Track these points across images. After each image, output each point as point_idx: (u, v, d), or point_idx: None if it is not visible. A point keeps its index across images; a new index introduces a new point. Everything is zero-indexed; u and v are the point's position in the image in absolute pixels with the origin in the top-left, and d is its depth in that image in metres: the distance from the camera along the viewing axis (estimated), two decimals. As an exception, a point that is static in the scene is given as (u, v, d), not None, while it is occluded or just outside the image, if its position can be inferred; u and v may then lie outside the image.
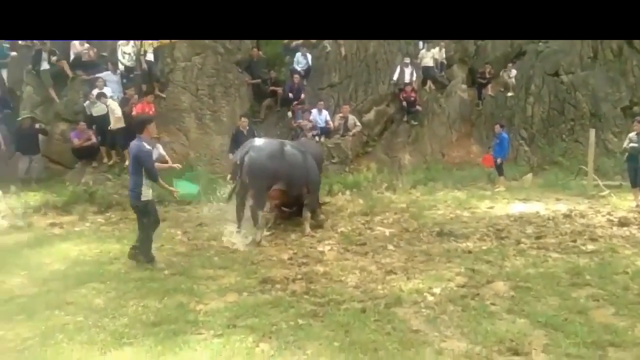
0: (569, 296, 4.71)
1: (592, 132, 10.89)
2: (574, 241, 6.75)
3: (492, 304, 4.59)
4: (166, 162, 10.74)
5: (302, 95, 13.24)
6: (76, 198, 9.61)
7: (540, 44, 16.54)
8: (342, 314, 4.38)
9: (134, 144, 5.81)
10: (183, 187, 6.27)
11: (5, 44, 12.72)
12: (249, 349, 3.77)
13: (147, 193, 5.87)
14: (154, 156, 10.43)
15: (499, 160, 11.45)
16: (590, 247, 6.48)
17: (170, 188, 6.34)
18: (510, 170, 12.49)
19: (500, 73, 15.49)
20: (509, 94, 14.74)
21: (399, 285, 5.16)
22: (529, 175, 12.40)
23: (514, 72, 15.07)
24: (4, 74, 12.59)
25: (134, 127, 6.36)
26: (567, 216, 8.30)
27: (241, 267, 5.93)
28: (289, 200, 7.80)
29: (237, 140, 10.20)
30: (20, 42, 12.85)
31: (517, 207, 9.22)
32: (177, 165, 7.05)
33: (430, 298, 4.78)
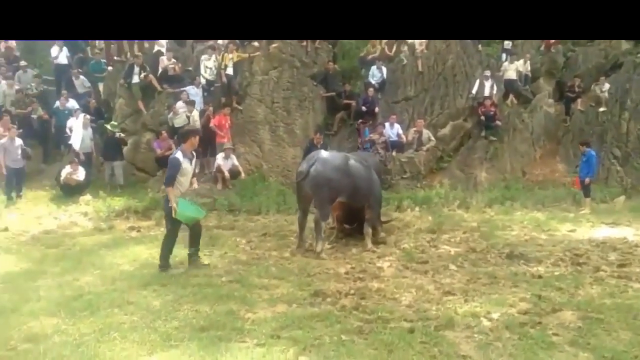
0: (645, 332, 4.22)
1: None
2: (663, 271, 6.07)
3: (555, 334, 4.22)
4: (239, 172, 11.14)
5: (376, 109, 13.17)
6: (155, 204, 10.16)
7: (639, 55, 15.28)
8: (388, 333, 4.23)
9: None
10: (183, 206, 6.11)
11: (102, 59, 13.88)
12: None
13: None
14: (228, 167, 10.92)
15: (586, 181, 10.63)
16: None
17: (173, 203, 5.98)
18: (601, 191, 11.55)
19: (592, 87, 14.46)
20: (601, 109, 13.67)
21: (454, 308, 4.90)
22: (621, 198, 11.37)
23: (607, 85, 13.98)
24: (101, 87, 13.74)
25: (180, 136, 6.71)
26: (658, 243, 7.50)
27: (296, 278, 5.95)
28: (351, 213, 7.79)
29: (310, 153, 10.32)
30: (115, 57, 13.96)
31: (602, 232, 8.47)
32: (174, 206, 6.17)
33: (486, 323, 4.49)
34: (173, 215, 5.94)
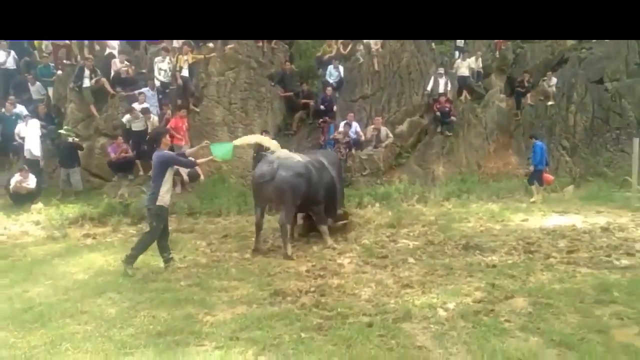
0: (591, 314, 4.42)
1: (637, 142, 10.33)
2: (608, 256, 6.37)
3: (507, 320, 4.38)
4: (198, 175, 11.02)
5: (335, 108, 13.25)
6: (111, 210, 9.92)
7: (583, 50, 16.00)
8: (347, 328, 4.28)
9: (155, 154, 6.26)
10: (218, 149, 6.92)
11: (51, 62, 13.42)
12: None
13: (164, 198, 6.21)
14: (186, 170, 10.75)
15: (530, 168, 11.10)
16: (625, 262, 6.10)
17: (208, 158, 7.15)
18: (551, 182, 12.00)
19: (540, 82, 15.01)
20: (550, 103, 14.21)
21: (412, 300, 5.00)
22: (570, 187, 11.87)
23: (554, 80, 14.55)
24: (50, 91, 13.28)
25: (151, 141, 6.68)
26: (605, 229, 7.86)
27: (257, 278, 5.93)
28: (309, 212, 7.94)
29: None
30: (65, 61, 13.52)
31: (553, 220, 8.81)
32: (206, 142, 7.34)
33: (442, 313, 4.61)
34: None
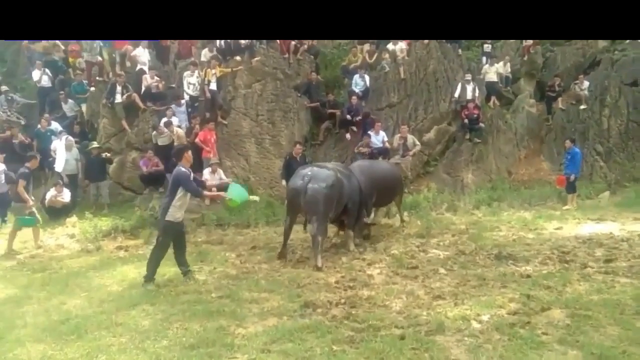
0: (632, 326, 4.26)
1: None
2: (649, 265, 6.15)
3: (544, 333, 4.25)
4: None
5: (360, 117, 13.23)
6: (143, 222, 10.11)
7: (616, 52, 15.60)
8: (379, 341, 4.23)
9: (175, 170, 6.32)
10: (234, 191, 6.77)
11: (84, 80, 13.82)
12: None
13: (174, 214, 6.23)
14: (216, 182, 10.90)
15: (571, 178, 10.75)
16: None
17: (218, 193, 7.21)
18: (585, 188, 11.70)
19: (571, 85, 14.68)
20: (582, 106, 13.87)
21: (444, 312, 4.92)
22: (606, 193, 11.54)
23: (586, 83, 14.21)
24: (84, 108, 13.67)
25: (174, 156, 6.75)
26: (644, 237, 7.59)
27: (286, 290, 5.93)
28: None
29: (290, 166, 10.43)
30: (98, 77, 13.92)
31: (588, 228, 8.56)
32: (223, 194, 7.04)
33: (476, 325, 4.51)
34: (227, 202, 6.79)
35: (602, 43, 16.43)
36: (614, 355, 3.69)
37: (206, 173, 11.10)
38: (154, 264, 6.28)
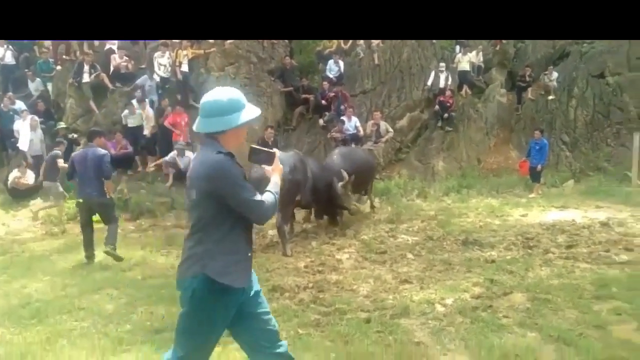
0: (589, 309, 4.40)
1: (638, 136, 10.28)
2: (607, 251, 6.34)
3: (505, 316, 4.35)
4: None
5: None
6: (111, 205, 9.89)
7: (585, 44, 15.88)
8: (344, 324, 4.26)
9: (90, 151, 6.54)
10: None
11: (50, 58, 13.37)
12: (245, 358, 3.71)
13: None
14: (183, 165, 10.73)
15: (539, 167, 10.97)
16: (624, 257, 6.06)
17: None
18: (551, 177, 11.96)
19: (541, 76, 14.93)
20: (550, 97, 14.15)
21: (410, 295, 4.99)
22: (570, 182, 11.83)
23: (555, 74, 14.48)
24: (49, 87, 13.25)
25: (88, 136, 7.15)
26: (604, 224, 7.82)
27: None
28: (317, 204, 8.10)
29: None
30: (64, 56, 13.48)
31: (552, 215, 8.78)
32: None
33: (440, 309, 4.59)
34: None
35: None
36: (571, 337, 3.80)
37: (170, 156, 10.92)
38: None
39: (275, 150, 2.79)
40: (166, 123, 11.40)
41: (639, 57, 14.85)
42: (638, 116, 13.17)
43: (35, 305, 4.92)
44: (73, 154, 7.05)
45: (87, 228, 6.63)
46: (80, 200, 6.62)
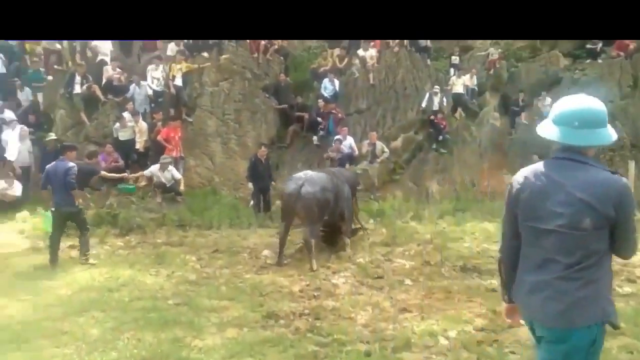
0: (599, 346, 4.23)
1: (632, 164, 10.30)
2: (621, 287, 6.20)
3: (512, 352, 4.18)
4: (179, 185, 10.71)
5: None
6: (99, 220, 9.60)
7: (577, 71, 16.07)
8: (344, 357, 4.06)
9: (60, 164, 7.07)
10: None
11: (41, 68, 13.14)
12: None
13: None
14: (165, 180, 10.53)
15: None
16: (627, 289, 5.93)
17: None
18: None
19: (534, 101, 15.01)
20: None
21: (411, 326, 4.79)
22: (565, 208, 11.78)
23: (548, 99, 14.52)
24: (40, 97, 12.99)
25: (61, 150, 7.62)
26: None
27: (248, 298, 5.69)
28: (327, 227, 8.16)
29: (255, 168, 10.31)
30: (56, 66, 13.26)
31: (550, 242, 8.66)
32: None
33: (443, 342, 4.40)
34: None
35: (563, 62, 16.95)
36: (583, 378, 3.62)
37: (153, 170, 10.68)
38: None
39: None
40: (159, 138, 11.18)
41: (629, 85, 15.07)
42: (631, 144, 13.25)
43: (15, 328, 4.63)
44: (47, 166, 7.47)
45: (57, 236, 7.16)
46: (53, 209, 7.21)
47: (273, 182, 10.93)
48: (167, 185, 10.71)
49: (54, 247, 7.09)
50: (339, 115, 13.02)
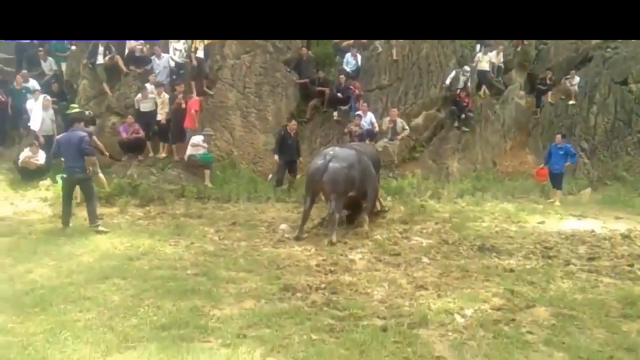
0: (618, 329, 4.19)
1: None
2: (631, 265, 6.12)
3: (529, 332, 4.15)
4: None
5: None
6: (120, 190, 9.75)
7: (609, 49, 15.50)
8: (360, 331, 4.08)
9: (73, 134, 7.42)
10: None
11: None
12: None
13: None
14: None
15: (565, 167, 10.62)
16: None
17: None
18: (568, 183, 11.67)
19: (562, 80, 14.58)
20: (571, 102, 13.82)
21: (427, 303, 4.79)
22: (588, 190, 11.56)
23: (577, 79, 14.12)
24: (63, 67, 13.09)
25: (70, 120, 8.12)
26: (625, 237, 7.58)
27: (266, 271, 5.74)
28: (350, 203, 8.00)
29: (284, 141, 10.29)
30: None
31: (571, 224, 8.54)
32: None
33: (459, 320, 4.39)
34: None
35: (595, 40, 16.34)
36: (601, 360, 3.60)
37: (197, 140, 10.71)
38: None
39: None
40: (192, 109, 11.10)
41: (663, 65, 14.50)
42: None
43: (40, 292, 4.76)
44: (58, 137, 7.83)
45: (68, 200, 7.55)
46: (65, 176, 7.59)
47: (300, 159, 10.92)
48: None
49: (67, 213, 7.52)
50: (356, 91, 12.84)
